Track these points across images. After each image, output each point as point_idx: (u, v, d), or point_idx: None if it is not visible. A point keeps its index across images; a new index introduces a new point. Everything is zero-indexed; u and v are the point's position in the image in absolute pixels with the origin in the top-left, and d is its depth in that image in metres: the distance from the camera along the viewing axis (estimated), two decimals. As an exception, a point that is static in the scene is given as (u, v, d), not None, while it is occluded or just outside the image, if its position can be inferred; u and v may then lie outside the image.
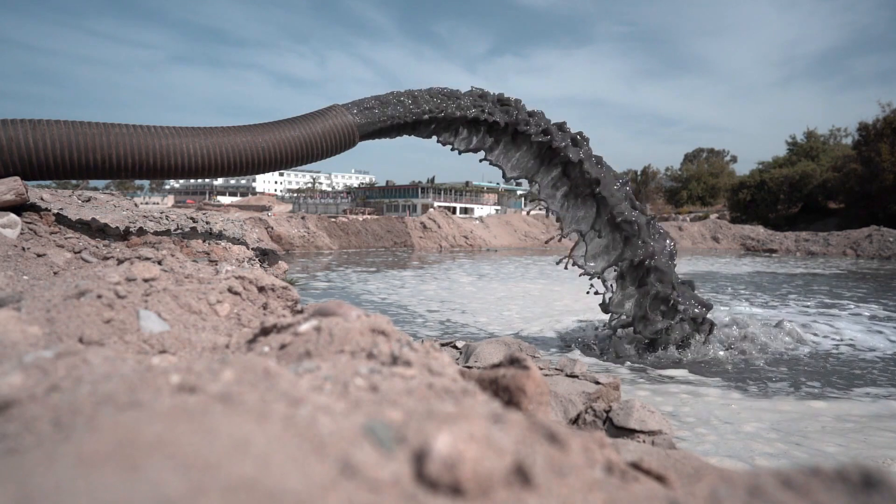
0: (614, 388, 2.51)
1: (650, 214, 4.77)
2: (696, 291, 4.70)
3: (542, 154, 4.55)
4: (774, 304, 7.76)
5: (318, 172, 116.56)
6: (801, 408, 3.25)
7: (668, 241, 4.61)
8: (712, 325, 4.61)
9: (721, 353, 4.48)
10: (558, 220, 4.75)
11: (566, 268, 4.75)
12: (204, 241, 3.56)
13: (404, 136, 4.27)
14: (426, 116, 4.11)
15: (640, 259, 4.46)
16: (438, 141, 4.39)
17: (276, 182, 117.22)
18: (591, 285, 4.73)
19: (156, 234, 3.56)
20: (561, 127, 4.57)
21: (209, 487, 0.36)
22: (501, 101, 4.44)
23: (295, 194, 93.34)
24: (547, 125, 4.49)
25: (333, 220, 19.90)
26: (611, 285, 4.71)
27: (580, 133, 4.59)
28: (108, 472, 0.37)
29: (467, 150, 4.51)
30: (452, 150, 4.50)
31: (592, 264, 4.70)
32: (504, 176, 4.67)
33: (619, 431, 2.17)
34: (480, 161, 4.65)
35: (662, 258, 4.50)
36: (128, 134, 3.04)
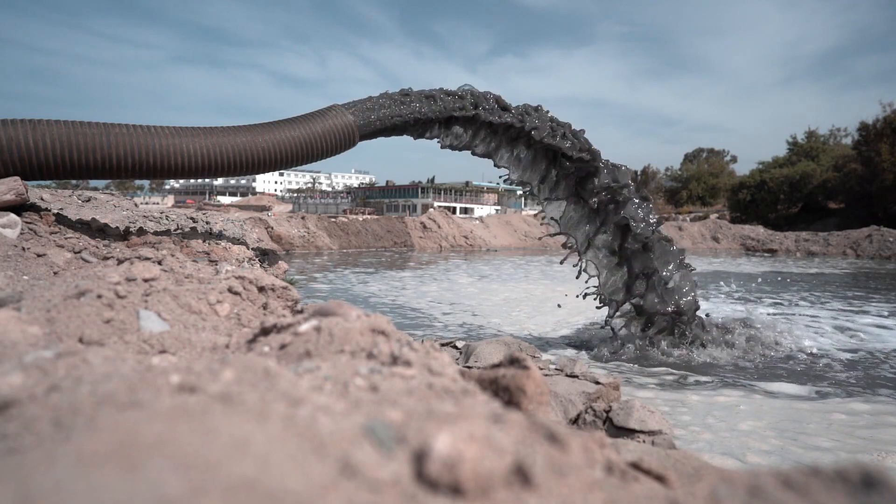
0: (614, 388, 2.51)
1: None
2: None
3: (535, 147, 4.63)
4: (781, 303, 7.76)
5: (318, 172, 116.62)
6: (802, 407, 3.25)
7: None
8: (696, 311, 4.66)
9: (723, 352, 4.48)
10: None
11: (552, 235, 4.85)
12: (204, 241, 3.56)
13: (405, 135, 4.27)
14: (426, 116, 4.11)
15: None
16: (438, 140, 4.39)
17: (276, 182, 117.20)
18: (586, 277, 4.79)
19: (156, 234, 3.56)
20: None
21: (209, 487, 0.36)
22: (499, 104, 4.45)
23: (295, 194, 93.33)
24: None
25: (333, 220, 19.88)
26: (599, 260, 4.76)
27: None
28: (108, 472, 0.37)
29: (474, 153, 4.56)
30: (474, 153, 4.55)
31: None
32: (510, 177, 4.74)
33: (619, 431, 2.17)
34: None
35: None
36: (128, 134, 3.04)
